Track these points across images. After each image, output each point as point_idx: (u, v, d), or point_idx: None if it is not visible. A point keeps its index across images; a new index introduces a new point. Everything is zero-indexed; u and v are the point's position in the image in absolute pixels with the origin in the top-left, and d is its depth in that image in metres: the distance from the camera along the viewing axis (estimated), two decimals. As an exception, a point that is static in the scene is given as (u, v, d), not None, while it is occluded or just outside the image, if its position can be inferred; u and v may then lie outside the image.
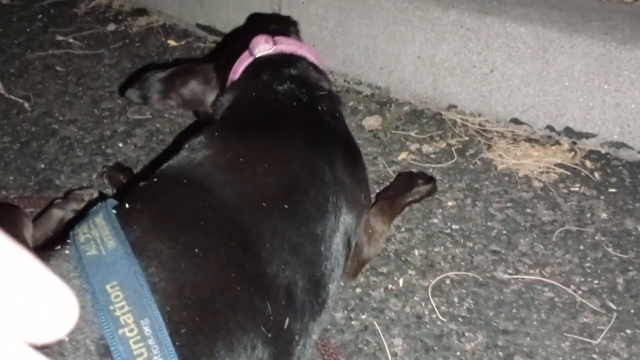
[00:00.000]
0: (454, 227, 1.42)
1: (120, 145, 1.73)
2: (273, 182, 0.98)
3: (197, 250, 0.83)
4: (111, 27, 2.37)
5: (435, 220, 1.44)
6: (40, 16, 2.48)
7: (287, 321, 0.88)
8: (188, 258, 0.82)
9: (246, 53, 1.32)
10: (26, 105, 1.92)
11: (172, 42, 2.25)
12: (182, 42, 2.24)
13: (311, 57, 1.33)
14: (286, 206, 0.95)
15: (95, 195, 1.43)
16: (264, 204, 0.94)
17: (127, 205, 0.88)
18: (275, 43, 1.31)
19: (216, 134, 1.06)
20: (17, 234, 0.92)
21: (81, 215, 0.90)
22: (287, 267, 0.90)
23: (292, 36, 1.43)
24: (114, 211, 0.86)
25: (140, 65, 2.10)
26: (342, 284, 1.09)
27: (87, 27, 2.37)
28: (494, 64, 1.68)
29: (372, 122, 1.77)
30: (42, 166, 1.65)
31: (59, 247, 0.82)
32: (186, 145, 1.05)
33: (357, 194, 1.12)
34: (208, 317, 0.79)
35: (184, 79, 1.35)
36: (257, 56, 1.30)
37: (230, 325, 0.80)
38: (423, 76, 1.82)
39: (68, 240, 0.83)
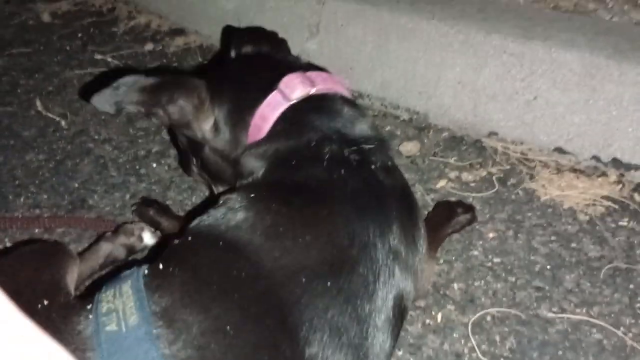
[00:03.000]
0: (495, 260, 1.36)
1: (154, 165, 1.71)
2: (316, 256, 0.90)
3: (228, 328, 0.78)
4: (149, 46, 2.38)
5: (476, 253, 1.38)
6: (80, 35, 2.51)
7: None
8: (218, 335, 0.77)
9: (278, 96, 1.14)
10: (63, 123, 1.92)
11: (209, 63, 2.25)
12: (219, 63, 2.24)
13: (343, 91, 1.20)
14: (329, 283, 0.87)
15: (146, 230, 1.39)
16: (304, 279, 0.86)
17: (160, 266, 0.84)
18: (312, 83, 1.15)
19: (253, 196, 0.98)
20: (59, 279, 0.89)
21: (115, 272, 0.88)
22: (327, 349, 0.84)
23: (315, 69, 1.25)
24: (147, 271, 0.83)
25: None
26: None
27: (126, 47, 2.38)
28: (538, 91, 1.63)
29: (410, 147, 1.72)
30: (76, 185, 1.64)
31: (80, 315, 0.78)
32: (221, 202, 0.99)
33: (414, 264, 1.02)
34: None
35: (172, 95, 1.14)
36: (293, 102, 1.13)
37: None
38: (463, 102, 1.77)
39: (89, 307, 0.80)
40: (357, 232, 0.94)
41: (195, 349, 0.74)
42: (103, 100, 1.12)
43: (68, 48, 2.41)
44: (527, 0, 1.96)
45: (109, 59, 2.29)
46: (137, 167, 1.71)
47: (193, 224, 0.97)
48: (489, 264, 1.35)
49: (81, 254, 1.31)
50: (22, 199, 1.59)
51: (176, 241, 0.94)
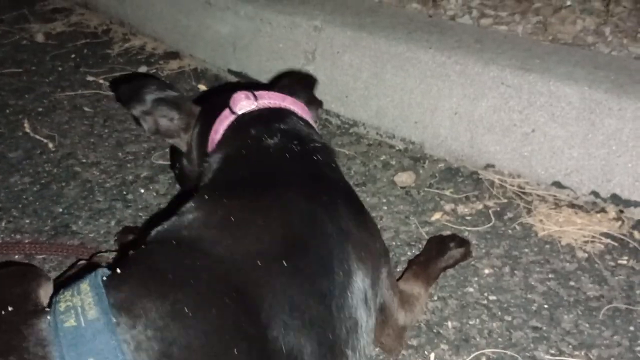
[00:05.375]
0: (490, 297, 1.31)
1: (142, 191, 1.67)
2: (269, 239, 0.92)
3: (186, 310, 0.77)
4: (142, 69, 2.35)
5: (471, 290, 1.33)
6: (73, 56, 2.48)
7: None
8: (177, 317, 0.76)
9: (226, 111, 1.24)
10: (50, 145, 1.88)
11: (202, 87, 2.22)
12: (213, 88, 2.20)
13: (298, 110, 1.27)
14: (285, 263, 0.88)
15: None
16: (259, 262, 0.87)
17: (118, 270, 0.83)
18: (256, 98, 1.25)
19: (206, 197, 1.01)
20: (29, 291, 0.86)
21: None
22: (289, 329, 0.83)
23: (278, 90, 1.35)
24: (105, 276, 0.82)
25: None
26: (371, 353, 0.98)
27: (119, 69, 2.35)
28: (536, 124, 1.60)
29: (404, 178, 1.69)
30: (60, 210, 1.59)
31: (40, 317, 0.77)
32: (175, 212, 1.00)
33: (368, 244, 1.04)
34: None
35: (169, 111, 1.32)
36: (239, 113, 1.23)
37: None
38: (460, 133, 1.74)
39: (48, 309, 0.79)
40: (306, 211, 0.98)
41: (154, 330, 0.74)
42: (126, 92, 1.34)
43: (60, 69, 2.38)
44: (525, 31, 1.94)
45: (101, 81, 2.26)
46: (125, 192, 1.66)
47: (149, 237, 0.99)
48: (485, 302, 1.30)
49: (55, 280, 1.25)
50: (3, 223, 1.54)
51: (131, 252, 0.94)
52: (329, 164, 1.15)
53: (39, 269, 0.97)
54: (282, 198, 1.00)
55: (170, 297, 0.78)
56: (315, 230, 0.96)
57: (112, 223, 1.55)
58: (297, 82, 1.51)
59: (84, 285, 0.80)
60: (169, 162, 1.78)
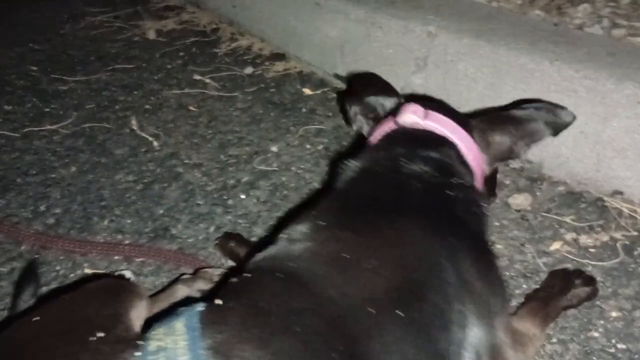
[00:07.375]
0: (619, 346, 1.16)
1: (243, 197, 1.63)
2: (384, 283, 0.83)
3: None
4: (248, 70, 2.32)
5: (596, 334, 1.19)
6: (181, 54, 2.50)
7: None
8: None
9: (392, 119, 1.18)
10: (155, 143, 1.88)
11: (307, 91, 2.16)
12: (318, 92, 2.15)
13: (463, 148, 1.13)
14: (400, 312, 0.79)
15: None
16: (371, 310, 0.78)
17: (217, 302, 0.77)
18: (425, 117, 1.15)
19: (319, 223, 0.93)
20: (121, 313, 0.82)
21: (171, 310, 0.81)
22: None
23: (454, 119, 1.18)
24: (203, 308, 0.76)
25: (273, 113, 2.02)
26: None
27: (225, 69, 2.34)
28: (677, 150, 1.42)
29: (520, 200, 1.55)
30: (161, 212, 1.58)
31: (130, 351, 0.71)
32: (285, 235, 0.93)
33: (490, 300, 0.92)
34: None
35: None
36: (399, 125, 1.16)
37: None
38: (585, 154, 1.58)
39: (140, 342, 0.73)
40: (426, 255, 0.89)
41: None
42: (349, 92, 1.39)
43: (169, 66, 2.40)
44: (664, 44, 1.75)
45: (207, 80, 2.25)
46: (225, 197, 1.63)
47: (252, 261, 0.93)
48: (612, 350, 1.16)
49: (156, 295, 1.23)
50: (105, 222, 1.54)
51: (234, 279, 0.88)
52: (468, 206, 1.02)
53: (134, 285, 0.93)
54: (402, 236, 0.91)
55: (273, 345, 0.71)
56: (434, 276, 0.86)
57: (211, 229, 1.51)
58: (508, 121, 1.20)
59: (179, 325, 0.74)
60: (270, 168, 1.73)
